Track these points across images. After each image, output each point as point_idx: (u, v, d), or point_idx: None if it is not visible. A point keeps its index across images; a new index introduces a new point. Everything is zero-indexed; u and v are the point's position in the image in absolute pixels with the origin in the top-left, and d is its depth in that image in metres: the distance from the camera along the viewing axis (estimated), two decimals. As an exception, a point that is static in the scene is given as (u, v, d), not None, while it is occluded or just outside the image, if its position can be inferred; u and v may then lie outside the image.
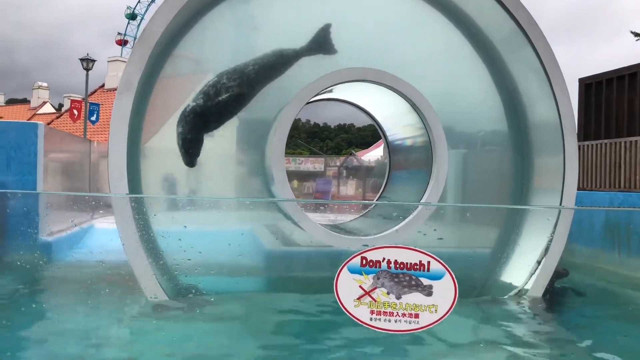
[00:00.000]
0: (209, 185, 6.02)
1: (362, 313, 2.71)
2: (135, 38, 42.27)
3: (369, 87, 6.31)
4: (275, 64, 5.92)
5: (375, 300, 2.71)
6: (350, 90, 7.04)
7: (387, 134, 7.95)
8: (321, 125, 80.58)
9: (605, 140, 11.00)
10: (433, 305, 2.69)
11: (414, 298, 2.70)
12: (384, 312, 2.71)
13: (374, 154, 31.83)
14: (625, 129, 11.40)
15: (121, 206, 5.11)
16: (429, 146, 6.25)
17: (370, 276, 2.71)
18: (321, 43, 6.03)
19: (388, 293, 2.70)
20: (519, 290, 5.95)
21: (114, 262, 5.24)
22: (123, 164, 5.24)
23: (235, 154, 6.17)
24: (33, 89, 52.03)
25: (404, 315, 2.70)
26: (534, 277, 5.88)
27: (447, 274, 2.69)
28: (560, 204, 6.00)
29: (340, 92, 7.11)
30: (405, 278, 2.69)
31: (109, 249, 5.43)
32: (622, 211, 7.96)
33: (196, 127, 5.74)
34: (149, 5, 45.56)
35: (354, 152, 38.43)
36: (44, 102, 50.74)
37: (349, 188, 29.86)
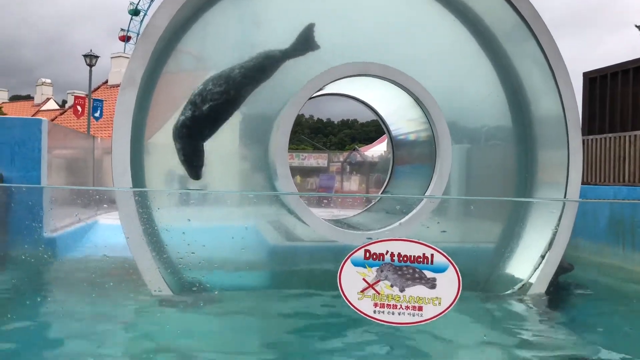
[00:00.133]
0: (213, 181, 6.02)
1: (365, 306, 2.72)
2: (138, 34, 42.27)
3: (372, 82, 6.30)
4: (262, 66, 5.86)
5: (378, 293, 2.71)
6: (354, 85, 7.03)
7: (391, 128, 7.94)
8: (324, 120, 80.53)
9: (610, 135, 10.95)
10: (437, 297, 2.69)
11: (417, 291, 2.70)
12: (387, 304, 2.72)
13: (378, 150, 31.77)
14: (630, 123, 11.34)
15: (125, 200, 5.12)
16: (432, 141, 6.23)
17: (374, 269, 2.71)
18: (306, 43, 5.97)
19: (391, 286, 2.70)
20: (523, 285, 5.94)
21: (119, 257, 5.25)
22: (126, 159, 5.25)
23: (239, 150, 6.17)
24: (37, 85, 52.16)
25: (407, 307, 2.71)
26: (538, 272, 5.87)
27: (451, 267, 2.69)
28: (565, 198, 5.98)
29: (344, 86, 7.10)
30: (409, 271, 2.69)
31: (113, 244, 5.44)
32: (626, 205, 7.93)
33: (192, 138, 5.70)
34: (152, 1, 45.56)
35: (357, 147, 38.40)
36: (48, 99, 50.86)
37: (353, 183, 29.84)
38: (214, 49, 6.09)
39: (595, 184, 10.85)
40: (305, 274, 5.77)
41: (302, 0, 6.31)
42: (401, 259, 2.69)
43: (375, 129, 57.04)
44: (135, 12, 45.80)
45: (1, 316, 4.50)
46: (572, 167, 6.00)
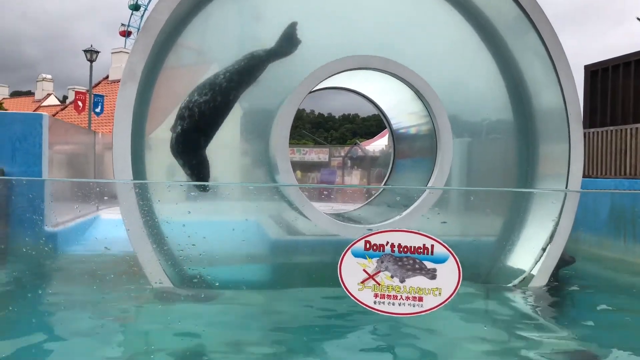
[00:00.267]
0: (214, 176, 6.02)
1: (366, 296, 2.72)
2: (138, 29, 42.20)
3: (373, 76, 6.29)
4: (247, 68, 5.79)
5: (379, 284, 2.71)
6: (355, 79, 7.02)
7: (392, 122, 7.93)
8: (325, 115, 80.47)
9: (611, 127, 10.93)
10: (437, 288, 2.70)
11: (417, 281, 2.71)
12: (388, 295, 2.72)
13: (379, 144, 31.73)
14: (631, 116, 11.33)
15: (125, 192, 5.13)
16: (433, 134, 6.23)
17: (374, 260, 2.71)
18: (290, 42, 5.90)
19: (392, 276, 2.70)
20: (524, 278, 5.94)
21: (120, 251, 5.27)
22: (127, 152, 5.25)
23: (240, 145, 6.17)
24: (37, 81, 52.18)
25: (407, 298, 2.71)
26: (539, 265, 5.88)
27: (451, 257, 2.69)
28: (565, 194, 5.98)
29: (344, 80, 7.09)
30: (409, 261, 2.70)
31: (114, 239, 5.46)
32: (627, 197, 7.93)
33: (191, 151, 5.67)
34: (152, -4, 45.45)
35: (358, 142, 38.36)
36: (49, 94, 50.89)
37: (354, 178, 29.84)
38: (214, 43, 6.08)
39: (597, 177, 10.84)
40: (306, 268, 5.77)
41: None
42: (401, 249, 2.70)
43: (376, 124, 57.01)
44: (135, 7, 45.73)
45: (2, 309, 4.53)
46: (573, 160, 5.99)
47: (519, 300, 5.76)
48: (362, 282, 2.72)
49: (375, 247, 2.70)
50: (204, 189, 5.65)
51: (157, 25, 5.37)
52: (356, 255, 2.72)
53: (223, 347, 4.04)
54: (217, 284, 5.23)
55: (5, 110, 36.79)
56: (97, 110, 31.02)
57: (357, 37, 6.13)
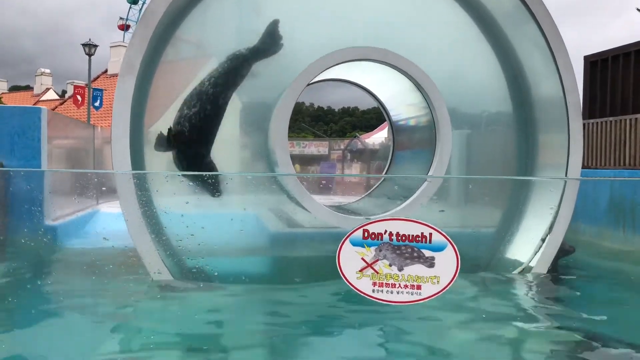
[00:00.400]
0: (213, 170, 6.01)
1: (364, 285, 2.73)
2: (137, 23, 42.08)
3: (372, 67, 6.28)
4: (232, 69, 5.75)
5: (377, 272, 2.72)
6: (354, 71, 7.01)
7: (391, 114, 7.93)
8: (325, 108, 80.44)
9: (611, 118, 10.93)
10: (435, 276, 2.71)
11: (416, 269, 2.71)
12: (386, 283, 2.73)
13: (378, 137, 31.70)
14: (631, 107, 11.32)
15: (124, 183, 5.13)
16: (432, 125, 6.22)
17: (373, 248, 2.72)
18: (273, 40, 5.85)
19: (390, 265, 2.71)
20: (524, 268, 5.96)
21: (119, 244, 5.28)
22: (126, 145, 5.25)
23: (239, 138, 6.16)
24: (36, 75, 52.09)
25: (406, 286, 2.72)
26: (538, 255, 5.89)
27: (449, 246, 2.70)
28: (565, 183, 5.98)
29: (344, 72, 7.08)
30: (407, 250, 2.70)
31: (114, 232, 5.47)
32: (626, 187, 7.93)
33: (198, 161, 5.67)
34: (150, -11, 45.29)
35: (358, 135, 38.32)
36: (47, 89, 50.81)
37: (353, 171, 29.86)
38: (213, 36, 6.05)
39: (596, 168, 10.85)
40: (305, 260, 5.78)
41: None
42: (400, 238, 2.70)
43: (376, 117, 56.96)
44: (134, 1, 45.61)
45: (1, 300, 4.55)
46: (572, 150, 5.99)
47: (517, 289, 5.78)
48: (361, 270, 2.73)
49: (373, 236, 2.71)
50: (214, 194, 5.64)
51: (154, 17, 5.35)
52: (354, 244, 2.73)
53: (222, 339, 4.05)
54: (216, 274, 5.24)
55: (4, 104, 36.71)
56: (96, 104, 31.01)
57: (356, 28, 6.10)
